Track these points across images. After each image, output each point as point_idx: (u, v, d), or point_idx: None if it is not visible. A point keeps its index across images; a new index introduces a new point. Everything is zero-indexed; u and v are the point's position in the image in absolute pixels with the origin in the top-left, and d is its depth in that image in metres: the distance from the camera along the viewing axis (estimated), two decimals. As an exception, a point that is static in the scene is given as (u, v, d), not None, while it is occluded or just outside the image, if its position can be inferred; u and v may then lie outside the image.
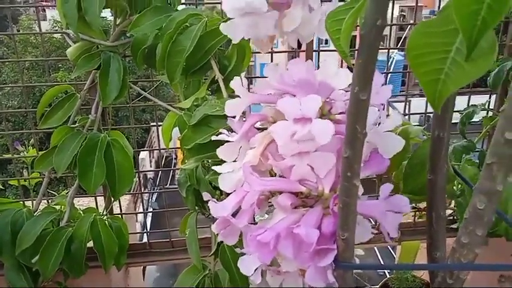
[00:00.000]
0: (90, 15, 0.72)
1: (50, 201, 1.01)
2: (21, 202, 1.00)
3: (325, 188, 0.38)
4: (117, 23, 0.82)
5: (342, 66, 0.44)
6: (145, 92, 0.92)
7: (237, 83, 0.42)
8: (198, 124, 0.59)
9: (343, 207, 0.32)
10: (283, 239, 0.36)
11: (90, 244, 0.93)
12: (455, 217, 1.03)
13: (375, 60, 0.27)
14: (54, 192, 1.08)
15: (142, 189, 1.18)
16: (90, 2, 0.71)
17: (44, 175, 0.94)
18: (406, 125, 0.52)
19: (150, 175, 7.03)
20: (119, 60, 0.81)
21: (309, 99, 0.35)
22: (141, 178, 1.14)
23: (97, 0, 0.71)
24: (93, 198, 1.07)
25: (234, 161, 0.46)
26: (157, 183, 7.17)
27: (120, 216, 1.05)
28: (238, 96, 0.44)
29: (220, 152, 0.46)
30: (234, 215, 0.42)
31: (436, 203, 0.41)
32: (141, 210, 2.20)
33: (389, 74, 1.16)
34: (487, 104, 0.90)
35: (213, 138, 0.47)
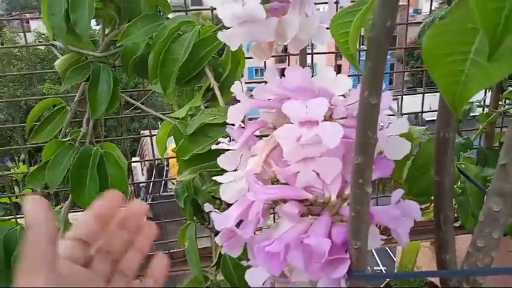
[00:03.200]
0: (80, 27, 0.70)
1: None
2: (14, 220, 0.97)
3: (332, 195, 0.37)
4: (106, 33, 0.80)
5: (336, 69, 0.43)
6: (134, 101, 0.90)
7: (238, 88, 0.41)
8: (195, 134, 0.57)
9: (355, 216, 0.31)
10: (292, 249, 0.35)
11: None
12: (455, 215, 1.03)
13: (384, 63, 0.26)
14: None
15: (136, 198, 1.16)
16: (79, 15, 0.69)
17: (36, 191, 0.92)
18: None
19: (143, 183, 6.96)
20: (109, 71, 0.79)
21: (316, 101, 0.34)
22: (134, 188, 1.12)
23: (86, 12, 0.69)
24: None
25: (235, 170, 0.45)
26: (149, 191, 7.10)
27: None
28: (237, 103, 0.43)
29: (221, 161, 0.45)
30: (237, 225, 0.41)
31: (444, 205, 0.41)
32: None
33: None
34: (482, 101, 0.90)
35: (213, 147, 0.46)
